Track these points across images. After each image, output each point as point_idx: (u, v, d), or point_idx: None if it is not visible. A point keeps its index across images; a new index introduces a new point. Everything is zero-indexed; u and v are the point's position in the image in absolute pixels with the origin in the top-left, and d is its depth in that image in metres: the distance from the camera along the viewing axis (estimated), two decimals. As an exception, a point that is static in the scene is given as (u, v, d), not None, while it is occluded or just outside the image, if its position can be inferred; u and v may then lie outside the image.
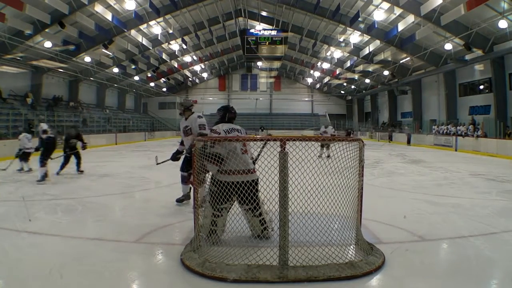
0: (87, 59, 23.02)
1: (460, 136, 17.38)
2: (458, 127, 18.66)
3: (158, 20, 22.55)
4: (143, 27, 22.85)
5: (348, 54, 26.83)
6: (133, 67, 27.41)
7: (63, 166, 8.27)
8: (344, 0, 19.85)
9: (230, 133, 3.65)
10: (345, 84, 34.43)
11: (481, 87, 19.35)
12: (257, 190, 3.35)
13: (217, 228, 3.34)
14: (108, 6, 19.02)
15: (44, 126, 8.53)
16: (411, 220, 4.38)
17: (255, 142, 3.60)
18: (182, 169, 5.15)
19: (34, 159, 8.11)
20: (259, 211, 3.43)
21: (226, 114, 3.90)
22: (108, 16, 18.82)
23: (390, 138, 25.66)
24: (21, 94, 20.11)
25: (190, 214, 3.41)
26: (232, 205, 3.48)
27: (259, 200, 3.41)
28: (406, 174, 8.82)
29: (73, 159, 8.47)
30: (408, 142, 21.84)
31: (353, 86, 34.37)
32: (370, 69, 26.93)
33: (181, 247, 3.30)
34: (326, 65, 30.88)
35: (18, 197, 5.72)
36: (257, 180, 3.40)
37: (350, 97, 38.61)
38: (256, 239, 3.46)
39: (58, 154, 8.18)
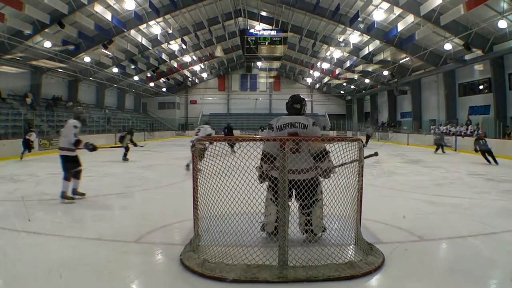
0: (87, 59, 23.01)
1: (460, 136, 17.38)
2: (457, 127, 18.65)
3: (158, 20, 22.54)
4: (142, 27, 22.84)
5: (347, 54, 26.84)
6: (133, 67, 27.40)
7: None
8: (343, 0, 19.86)
9: (282, 129, 3.44)
10: (344, 84, 34.45)
11: (481, 87, 19.36)
12: (310, 190, 3.22)
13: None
14: (108, 6, 19.01)
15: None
16: (411, 220, 4.38)
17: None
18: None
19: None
20: (307, 210, 3.36)
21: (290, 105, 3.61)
22: (108, 16, 18.80)
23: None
24: (21, 94, 20.10)
25: (190, 214, 3.41)
26: (290, 201, 3.31)
27: (312, 201, 3.31)
28: (406, 174, 8.84)
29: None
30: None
31: (352, 86, 34.39)
32: (370, 69, 26.94)
33: (180, 247, 3.30)
34: (325, 65, 30.89)
35: (18, 197, 5.71)
36: (311, 180, 3.26)
37: (349, 97, 38.63)
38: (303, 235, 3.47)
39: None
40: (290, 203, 3.19)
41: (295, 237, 3.35)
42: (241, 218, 3.23)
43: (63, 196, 5.32)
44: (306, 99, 3.83)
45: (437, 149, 15.42)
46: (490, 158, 11.05)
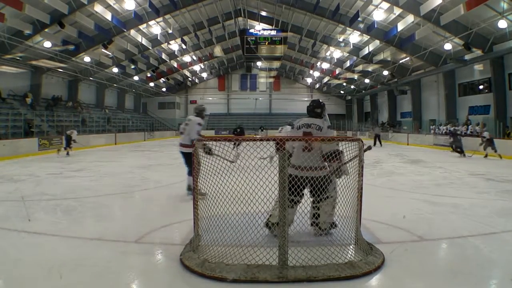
0: (87, 59, 23.01)
1: (460, 135, 17.36)
2: (458, 127, 18.66)
3: (158, 20, 22.54)
4: (142, 27, 22.83)
5: (347, 54, 26.84)
6: (133, 67, 27.40)
7: None
8: (343, 0, 19.86)
9: (299, 129, 3.74)
10: (344, 84, 34.44)
11: (481, 87, 19.36)
12: (322, 187, 3.33)
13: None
14: (108, 6, 19.01)
15: None
16: (411, 220, 4.39)
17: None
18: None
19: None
20: (317, 205, 3.55)
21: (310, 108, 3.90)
22: (108, 16, 18.80)
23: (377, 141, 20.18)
24: (21, 94, 20.10)
25: (190, 214, 3.41)
26: (301, 199, 3.52)
27: (324, 197, 3.44)
28: (406, 174, 8.83)
29: None
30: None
31: (352, 86, 34.38)
32: (370, 69, 26.94)
33: (180, 247, 3.30)
34: (325, 65, 30.88)
35: (18, 197, 5.72)
36: (324, 177, 3.35)
37: (349, 97, 38.62)
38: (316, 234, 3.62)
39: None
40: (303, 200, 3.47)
41: (295, 237, 3.35)
42: (241, 218, 3.24)
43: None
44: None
45: (462, 153, 13.50)
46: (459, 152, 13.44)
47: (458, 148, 13.55)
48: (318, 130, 3.67)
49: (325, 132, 3.68)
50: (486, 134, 13.23)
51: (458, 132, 15.30)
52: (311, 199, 3.62)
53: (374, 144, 19.88)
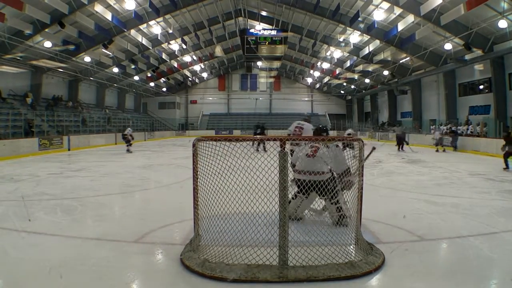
0: (87, 59, 23.01)
1: (461, 135, 17.37)
2: (458, 127, 18.68)
3: (158, 20, 22.54)
4: (142, 27, 22.83)
5: (348, 54, 26.84)
6: (133, 67, 27.39)
7: None
8: (343, 0, 19.86)
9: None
10: (345, 84, 34.44)
11: (481, 87, 19.36)
12: (328, 189, 3.69)
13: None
14: (108, 6, 19.01)
15: None
16: (411, 220, 4.39)
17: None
18: None
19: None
20: (334, 200, 3.86)
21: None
22: (108, 16, 18.80)
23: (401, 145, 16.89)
24: (21, 94, 20.10)
25: (190, 214, 3.41)
26: (304, 195, 3.96)
27: (333, 195, 3.78)
28: (406, 174, 8.83)
29: None
30: None
31: (353, 86, 34.37)
32: (370, 69, 26.93)
33: (181, 247, 3.31)
34: (326, 65, 30.88)
35: (18, 197, 5.72)
36: (326, 180, 3.77)
37: (350, 97, 38.63)
38: (336, 226, 3.84)
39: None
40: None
41: (295, 237, 3.35)
42: (241, 218, 3.24)
43: None
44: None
45: (407, 145, 16.80)
46: (403, 145, 16.28)
47: (404, 142, 16.53)
48: (326, 147, 4.13)
49: (334, 149, 4.05)
50: (437, 134, 16.51)
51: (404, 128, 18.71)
52: (326, 199, 3.91)
53: (398, 145, 17.07)
